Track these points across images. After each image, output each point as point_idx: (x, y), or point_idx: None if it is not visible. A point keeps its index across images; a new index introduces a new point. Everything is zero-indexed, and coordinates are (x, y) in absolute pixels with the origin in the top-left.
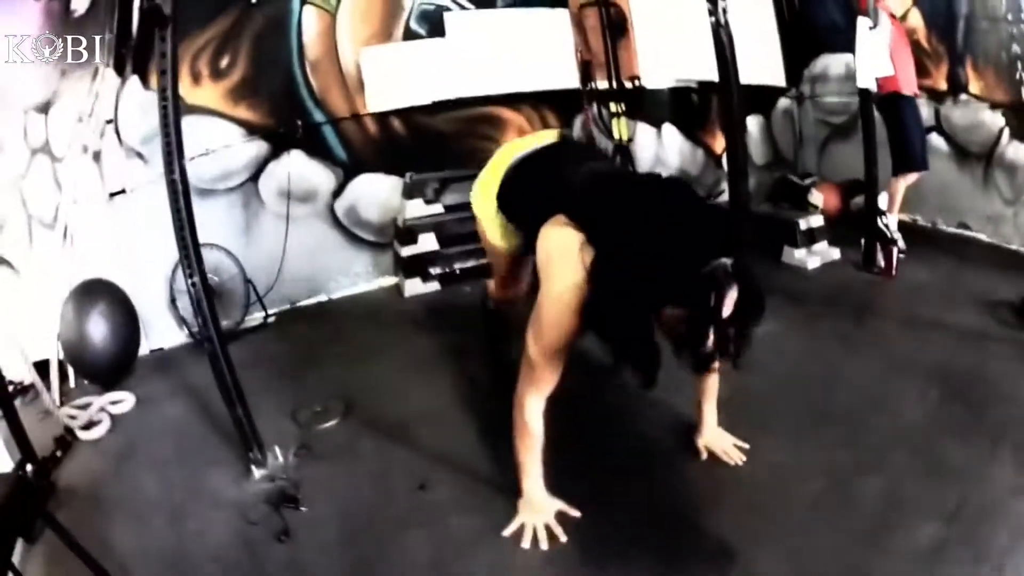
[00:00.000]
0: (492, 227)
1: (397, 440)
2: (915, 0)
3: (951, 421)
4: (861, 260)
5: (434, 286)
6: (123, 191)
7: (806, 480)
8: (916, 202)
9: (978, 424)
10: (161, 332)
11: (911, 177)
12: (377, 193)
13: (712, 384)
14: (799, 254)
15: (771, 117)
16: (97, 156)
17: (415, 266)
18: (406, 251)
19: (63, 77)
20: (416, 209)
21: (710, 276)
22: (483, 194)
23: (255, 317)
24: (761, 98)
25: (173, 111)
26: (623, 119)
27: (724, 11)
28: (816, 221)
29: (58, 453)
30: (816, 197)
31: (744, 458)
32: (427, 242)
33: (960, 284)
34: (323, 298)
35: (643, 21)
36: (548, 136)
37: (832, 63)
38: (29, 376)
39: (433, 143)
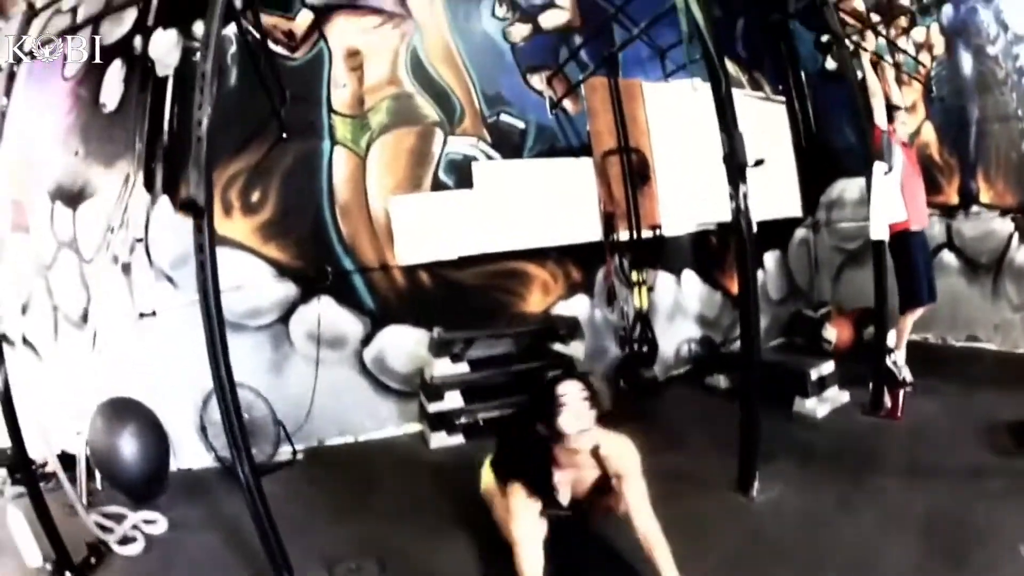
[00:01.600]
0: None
1: None
2: (928, 114)
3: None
4: (869, 403)
5: (459, 439)
6: (153, 313)
7: None
8: (927, 320)
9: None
10: (189, 452)
11: (919, 312)
12: (404, 344)
13: (653, 542)
14: (809, 403)
15: (788, 249)
16: (127, 268)
17: (441, 421)
18: (433, 407)
19: (91, 171)
20: (443, 368)
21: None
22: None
23: (284, 451)
24: (778, 232)
25: (215, 306)
26: (644, 290)
27: (745, 196)
28: (827, 368)
29: (92, 560)
30: (829, 332)
31: None
32: (453, 399)
33: (964, 412)
34: (350, 439)
35: (665, 167)
36: None
37: (848, 187)
38: (52, 464)
39: (459, 297)
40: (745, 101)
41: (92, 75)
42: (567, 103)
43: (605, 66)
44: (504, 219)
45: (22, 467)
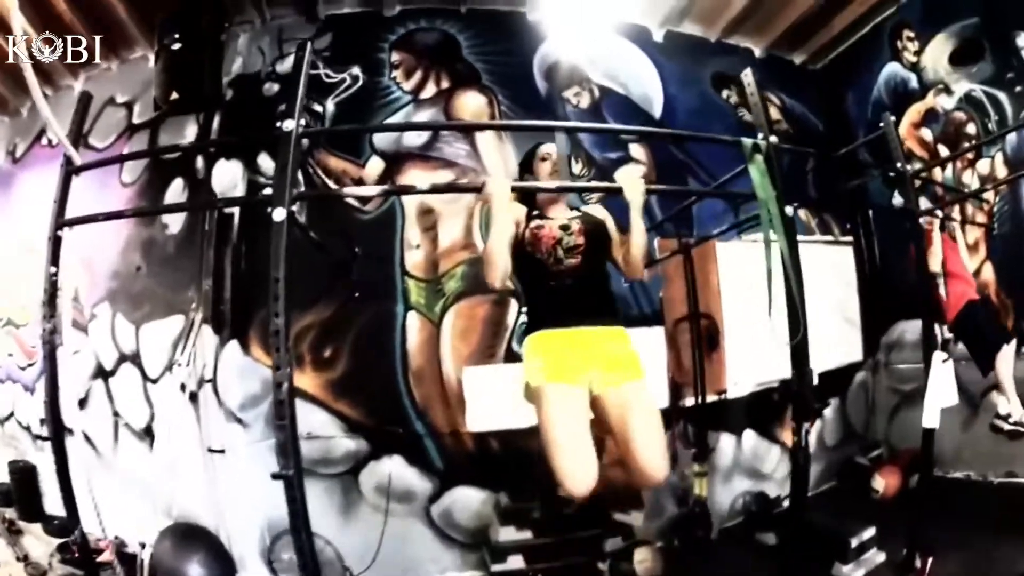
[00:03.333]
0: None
1: None
2: (988, 253)
3: None
4: (901, 566)
5: None
6: (222, 451)
7: None
8: (970, 457)
9: None
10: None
11: (1009, 350)
12: (472, 503)
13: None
14: (847, 569)
15: (847, 394)
16: (194, 398)
17: None
18: (496, 567)
19: (154, 293)
20: (508, 534)
21: None
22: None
23: None
24: (838, 379)
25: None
26: (704, 479)
27: (806, 433)
28: (868, 533)
29: None
30: (878, 483)
31: None
32: (515, 561)
33: (985, 570)
34: None
35: (734, 330)
36: None
37: (908, 329)
38: (109, 554)
39: (527, 463)
40: (813, 249)
41: (153, 187)
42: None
43: (681, 226)
44: None
45: (85, 553)
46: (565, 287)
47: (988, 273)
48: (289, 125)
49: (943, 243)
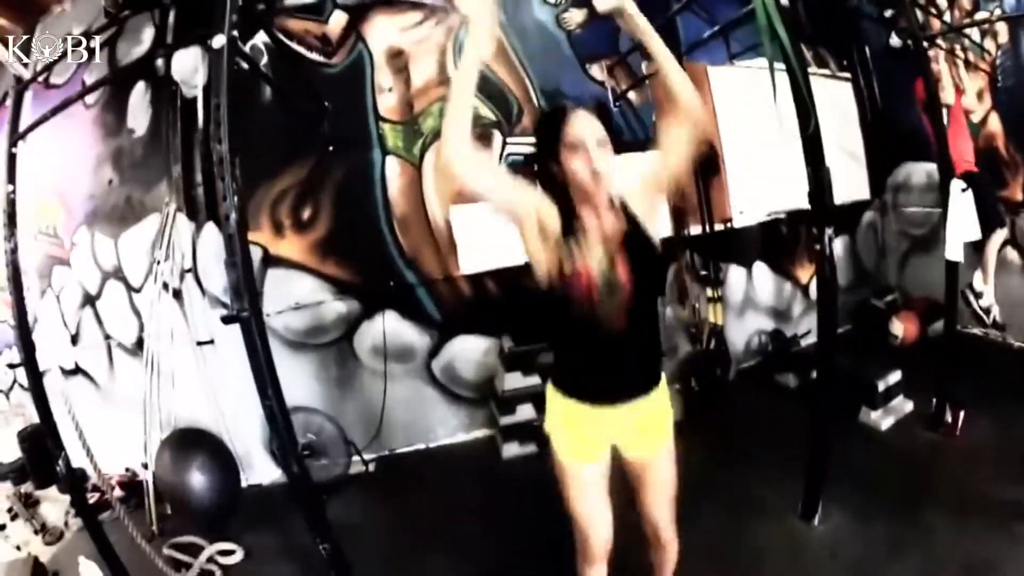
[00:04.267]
0: None
1: None
2: (994, 103)
3: None
4: (931, 416)
5: (532, 447)
6: (211, 341)
7: None
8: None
9: None
10: (259, 468)
11: (1000, 236)
12: (474, 353)
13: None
14: (875, 415)
15: (856, 233)
16: (178, 295)
17: (512, 432)
18: (505, 420)
19: (128, 198)
20: (514, 381)
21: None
22: None
23: (355, 462)
24: (847, 215)
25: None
26: (719, 305)
27: (830, 239)
28: (894, 378)
29: None
30: (896, 327)
31: None
32: (525, 411)
33: (1017, 433)
34: (421, 446)
35: (734, 157)
36: None
37: (914, 172)
38: (115, 492)
39: (528, 302)
40: (813, 80)
41: (116, 100)
42: (631, 94)
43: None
44: None
45: (81, 505)
46: (602, 349)
47: (995, 124)
48: None
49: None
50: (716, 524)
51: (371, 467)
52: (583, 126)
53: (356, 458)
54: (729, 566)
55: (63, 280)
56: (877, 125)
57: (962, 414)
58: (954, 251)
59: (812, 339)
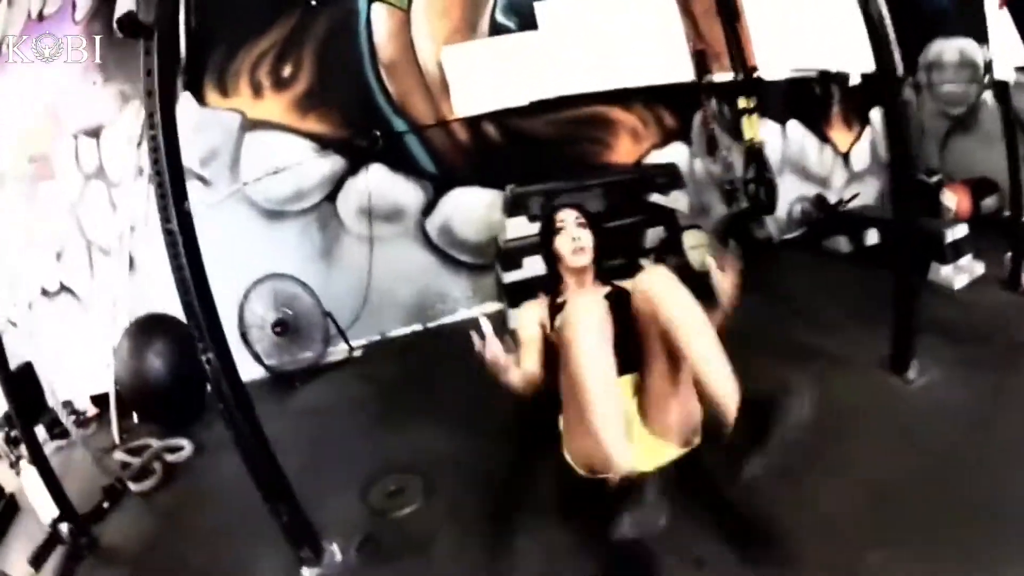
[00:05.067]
0: None
1: (484, 536)
2: None
3: None
4: (1007, 278)
5: None
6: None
7: None
8: None
9: None
10: (237, 361)
11: None
12: (474, 209)
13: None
14: (945, 271)
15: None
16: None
17: (520, 293)
18: (509, 276)
19: (112, 95)
20: (519, 228)
21: None
22: None
23: (339, 350)
24: (881, 87)
25: (166, 143)
26: (754, 117)
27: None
28: (960, 231)
29: (105, 504)
30: (949, 199)
31: None
32: (532, 265)
33: None
34: (418, 327)
35: (756, 3)
36: None
37: (945, 49)
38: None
39: (534, 150)
40: None
41: (104, 7)
42: None
43: None
44: (578, 60)
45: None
46: None
47: None
48: None
49: None
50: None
51: (358, 353)
52: (567, 214)
53: (342, 345)
54: (817, 427)
55: (47, 198)
56: (904, 3)
57: None
58: (1003, 71)
59: (860, 203)
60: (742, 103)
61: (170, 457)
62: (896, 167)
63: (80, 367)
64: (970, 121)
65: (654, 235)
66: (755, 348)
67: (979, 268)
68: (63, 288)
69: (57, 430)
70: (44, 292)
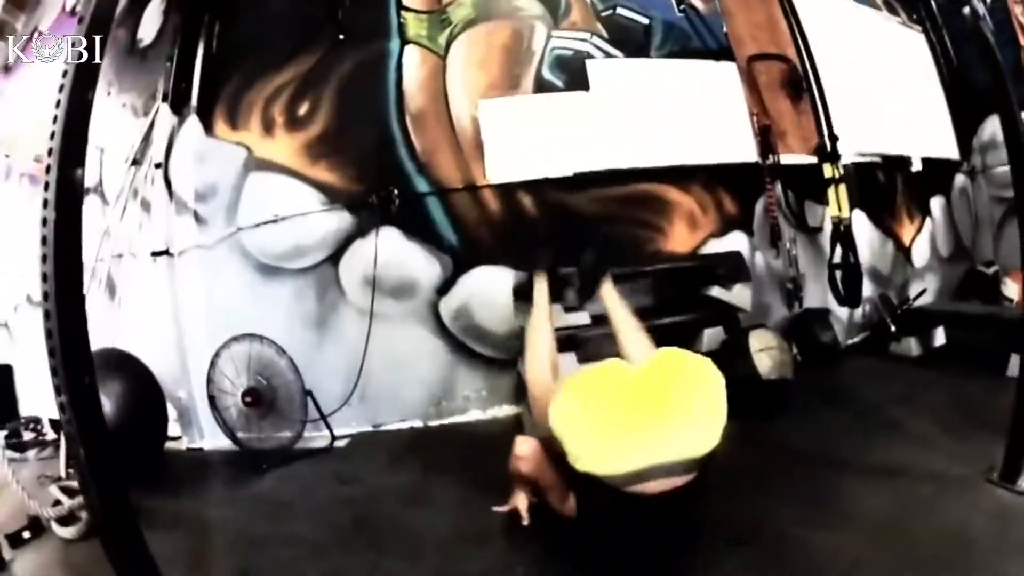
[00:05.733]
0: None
1: None
2: None
3: None
4: None
5: None
6: (166, 252)
7: None
8: None
9: None
10: (204, 427)
11: None
12: (498, 291)
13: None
14: None
15: (950, 197)
16: (146, 205)
17: None
18: None
19: (121, 106)
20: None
21: None
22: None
23: (320, 436)
24: (941, 174)
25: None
26: (842, 188)
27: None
28: None
29: (25, 534)
30: (1010, 288)
31: None
32: (565, 363)
33: None
34: (417, 423)
35: (825, 81)
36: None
37: (999, 126)
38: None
39: (575, 229)
40: (881, 24)
41: (132, 16)
42: (696, 1)
43: None
44: (632, 128)
45: None
46: None
47: None
48: None
49: None
50: (878, 505)
51: (341, 443)
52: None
53: (324, 431)
54: (917, 548)
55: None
56: (955, 82)
57: None
58: None
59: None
60: (828, 171)
61: None
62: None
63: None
64: None
65: (712, 336)
66: (830, 469)
67: None
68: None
69: (14, 441)
70: (29, 299)
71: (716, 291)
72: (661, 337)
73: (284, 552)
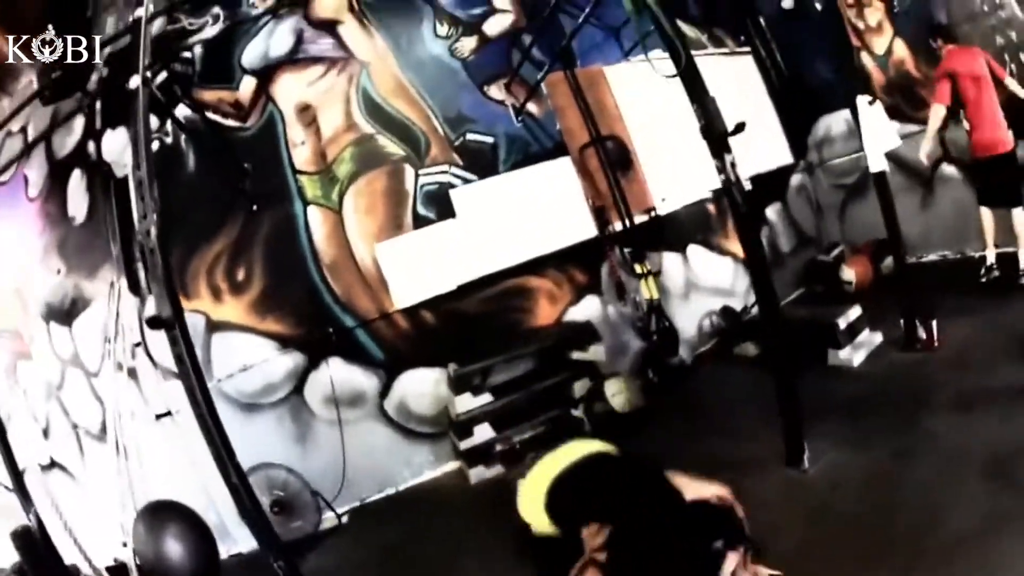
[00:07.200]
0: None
1: None
2: (896, 30)
3: (1003, 515)
4: (903, 339)
5: (498, 468)
6: (168, 413)
7: None
8: (940, 239)
9: None
10: (236, 536)
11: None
12: (423, 386)
13: None
14: (844, 353)
15: (787, 198)
16: (132, 374)
17: (475, 456)
18: (464, 444)
19: (76, 285)
20: (466, 403)
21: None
22: (533, 510)
23: (328, 518)
24: (775, 183)
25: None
26: (651, 279)
27: (732, 165)
28: (854, 313)
29: None
30: (847, 273)
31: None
32: (483, 432)
33: (999, 327)
34: (391, 491)
35: (646, 148)
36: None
37: (832, 123)
38: None
39: (468, 327)
40: (710, 61)
41: (56, 190)
42: (531, 107)
43: (561, 60)
44: (494, 239)
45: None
46: None
47: (901, 50)
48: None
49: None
50: None
51: (344, 519)
52: None
53: (330, 514)
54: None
55: (27, 376)
56: (786, 88)
57: (935, 324)
58: (876, 162)
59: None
60: (639, 269)
61: None
62: (760, 291)
63: (77, 537)
64: (864, 187)
65: (581, 386)
66: (674, 466)
67: (877, 339)
68: (55, 464)
69: None
70: (39, 465)
71: (577, 354)
72: (546, 394)
73: None
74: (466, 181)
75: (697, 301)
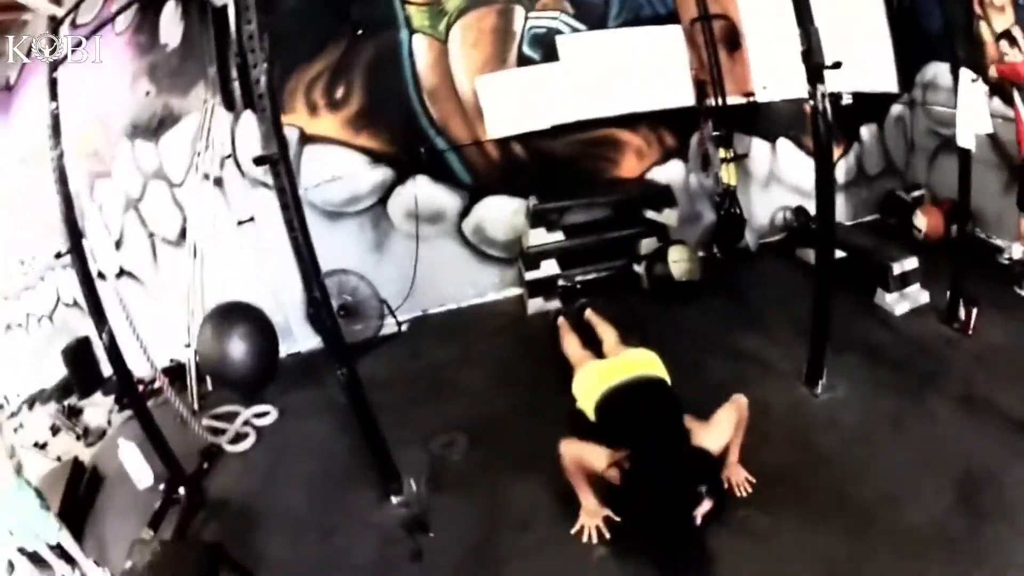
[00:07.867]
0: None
1: (513, 478)
2: (1016, 18)
3: (947, 532)
4: (945, 310)
5: (556, 303)
6: (252, 219)
7: (794, 564)
8: (1011, 226)
9: (970, 540)
10: (299, 338)
11: None
12: (502, 214)
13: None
14: (890, 298)
15: (884, 124)
16: (219, 183)
17: (537, 287)
18: (530, 275)
19: (166, 104)
20: (539, 237)
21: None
22: (586, 397)
23: (389, 324)
24: (875, 105)
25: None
26: (732, 165)
27: (824, 96)
28: (910, 264)
29: (205, 465)
30: (920, 220)
31: (750, 489)
32: (549, 266)
33: None
34: (452, 306)
35: (756, 34)
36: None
37: (941, 72)
38: (159, 379)
39: (553, 166)
40: None
41: (147, 21)
42: None
43: None
44: (594, 88)
45: (128, 389)
46: None
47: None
48: None
49: None
50: (722, 377)
51: (404, 327)
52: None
53: (391, 320)
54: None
55: (105, 193)
56: (904, 20)
57: (975, 312)
58: (964, 138)
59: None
60: (722, 154)
61: (259, 421)
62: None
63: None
64: None
65: (648, 244)
66: (702, 347)
67: (924, 297)
68: (124, 272)
69: (125, 400)
70: (100, 275)
71: (651, 213)
72: (614, 244)
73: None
74: (575, 30)
75: (776, 193)
